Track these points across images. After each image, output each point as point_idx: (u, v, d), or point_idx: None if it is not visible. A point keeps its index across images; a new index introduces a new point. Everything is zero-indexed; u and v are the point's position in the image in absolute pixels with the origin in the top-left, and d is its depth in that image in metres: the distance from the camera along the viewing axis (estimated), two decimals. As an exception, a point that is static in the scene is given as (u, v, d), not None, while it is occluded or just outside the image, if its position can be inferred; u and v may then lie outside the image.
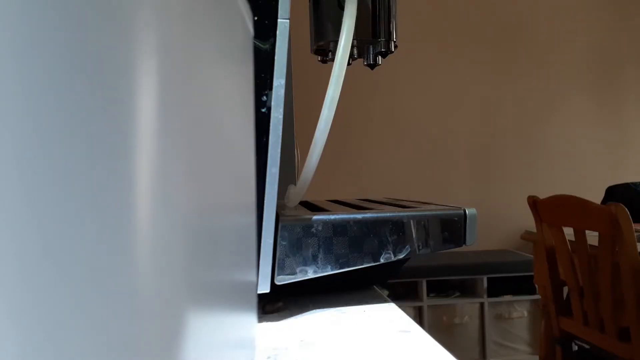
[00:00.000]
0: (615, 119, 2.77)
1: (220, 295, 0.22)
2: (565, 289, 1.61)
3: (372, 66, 0.58)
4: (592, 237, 1.43)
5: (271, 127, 0.42)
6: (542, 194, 1.60)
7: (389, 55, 0.58)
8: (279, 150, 0.42)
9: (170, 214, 0.14)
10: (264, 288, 0.43)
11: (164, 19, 0.14)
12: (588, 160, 2.74)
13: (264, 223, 0.42)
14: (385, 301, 0.51)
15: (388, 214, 0.47)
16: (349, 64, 0.52)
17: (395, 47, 0.58)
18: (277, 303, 0.49)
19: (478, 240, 0.57)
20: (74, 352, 0.08)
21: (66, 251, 0.08)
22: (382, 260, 0.46)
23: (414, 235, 0.47)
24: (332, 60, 0.47)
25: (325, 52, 0.58)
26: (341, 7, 0.49)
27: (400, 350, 0.38)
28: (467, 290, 2.40)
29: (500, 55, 2.67)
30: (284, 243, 0.44)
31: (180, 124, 0.16)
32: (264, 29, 0.41)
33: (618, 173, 2.73)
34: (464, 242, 0.50)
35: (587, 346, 1.60)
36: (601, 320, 1.42)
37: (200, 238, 0.18)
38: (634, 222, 1.30)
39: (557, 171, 2.71)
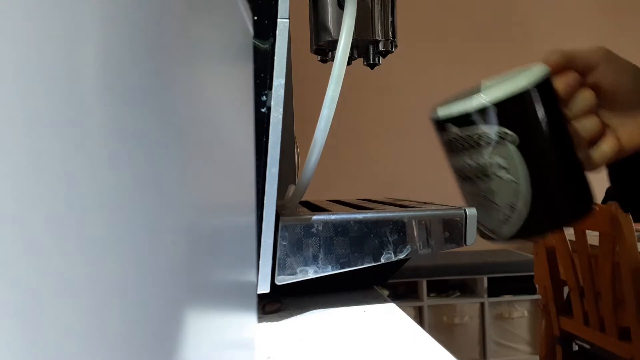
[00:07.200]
0: (616, 119, 2.77)
1: (220, 296, 0.22)
2: (566, 289, 1.61)
3: (372, 66, 0.58)
4: (593, 237, 1.43)
5: (271, 127, 0.42)
6: (542, 194, 1.60)
7: (389, 54, 0.58)
8: (279, 150, 0.42)
9: (169, 214, 0.14)
10: (264, 288, 0.42)
11: (163, 19, 0.14)
12: (588, 160, 2.73)
13: (264, 223, 0.42)
14: (385, 301, 0.51)
15: (389, 214, 0.47)
16: (349, 63, 0.52)
17: (395, 46, 0.58)
18: (277, 303, 0.49)
19: (478, 240, 0.57)
20: (72, 353, 0.08)
21: (63, 251, 0.08)
22: (382, 260, 0.46)
23: (414, 235, 0.47)
24: (332, 60, 0.47)
25: (325, 52, 0.58)
26: (341, 7, 0.49)
27: (400, 351, 0.38)
28: (467, 290, 2.40)
29: (501, 54, 2.66)
30: (284, 243, 0.44)
31: (179, 123, 0.15)
32: (264, 29, 0.41)
33: (618, 173, 2.72)
34: (465, 242, 0.49)
35: (587, 346, 1.60)
36: (602, 320, 1.42)
37: (200, 238, 0.18)
38: (634, 222, 1.30)
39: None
